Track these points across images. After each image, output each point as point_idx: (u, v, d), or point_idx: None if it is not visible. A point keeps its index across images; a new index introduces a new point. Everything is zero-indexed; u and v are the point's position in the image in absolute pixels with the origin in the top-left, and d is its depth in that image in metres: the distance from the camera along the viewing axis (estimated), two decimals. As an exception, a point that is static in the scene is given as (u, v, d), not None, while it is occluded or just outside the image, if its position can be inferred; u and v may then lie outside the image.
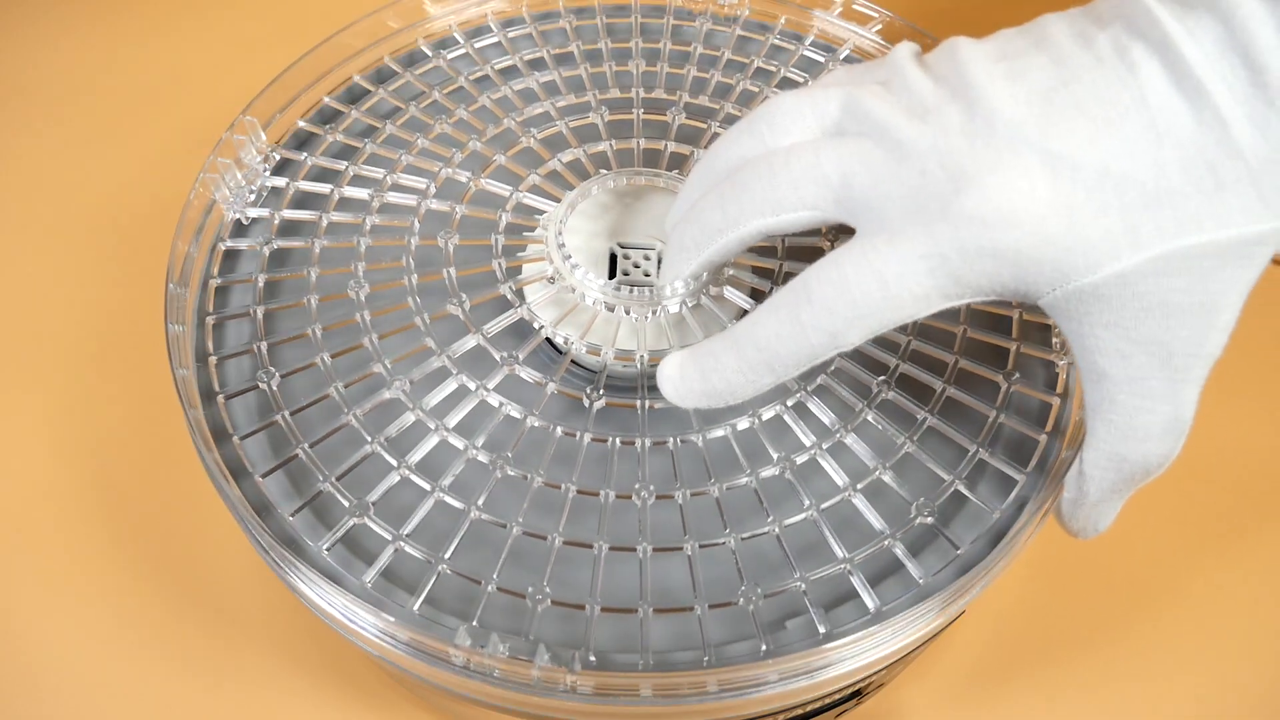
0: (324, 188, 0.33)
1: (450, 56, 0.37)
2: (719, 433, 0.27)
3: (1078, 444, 0.26)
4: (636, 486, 0.26)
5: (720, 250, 0.26)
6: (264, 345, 0.29)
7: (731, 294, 0.29)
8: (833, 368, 0.28)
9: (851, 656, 0.24)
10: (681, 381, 0.25)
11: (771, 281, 0.30)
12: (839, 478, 0.27)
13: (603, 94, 0.35)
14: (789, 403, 0.27)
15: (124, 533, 0.35)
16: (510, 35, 0.38)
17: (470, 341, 0.28)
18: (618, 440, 0.27)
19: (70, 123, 0.48)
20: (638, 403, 0.28)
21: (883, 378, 0.28)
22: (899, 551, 0.26)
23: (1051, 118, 0.21)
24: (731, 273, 0.30)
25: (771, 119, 0.25)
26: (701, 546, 0.26)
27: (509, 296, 0.29)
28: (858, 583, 0.25)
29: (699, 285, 0.28)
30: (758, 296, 0.30)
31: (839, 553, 0.25)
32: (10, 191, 0.46)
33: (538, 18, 0.38)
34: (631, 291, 0.28)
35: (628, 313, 0.29)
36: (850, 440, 0.27)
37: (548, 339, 0.29)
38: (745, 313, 0.29)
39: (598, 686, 0.23)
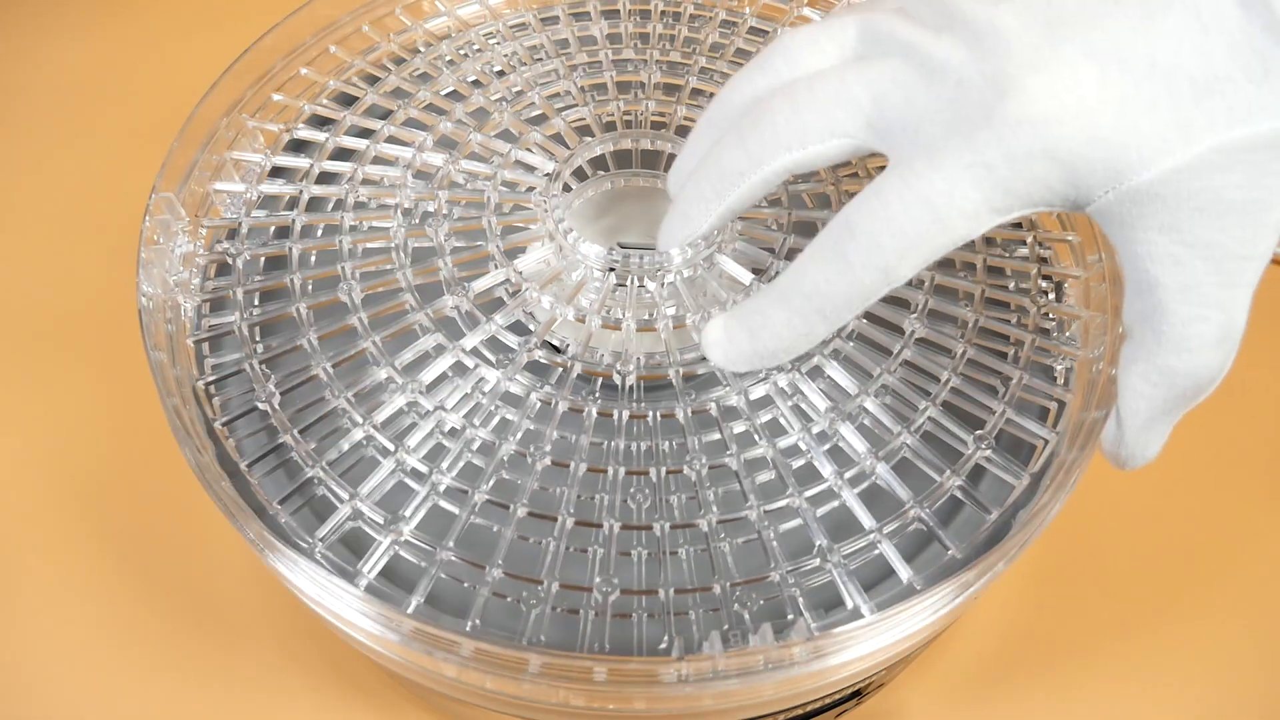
0: (308, 217, 0.32)
1: (445, 57, 0.37)
2: (714, 436, 0.27)
3: (1107, 407, 0.26)
4: (632, 490, 0.26)
5: (742, 197, 0.25)
6: (258, 347, 0.29)
7: (732, 278, 0.29)
8: (828, 372, 0.28)
9: (850, 657, 0.24)
10: (730, 345, 0.24)
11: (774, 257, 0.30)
12: (836, 480, 0.27)
13: (600, 95, 0.35)
14: (785, 405, 0.27)
15: (121, 535, 0.35)
16: (504, 36, 0.38)
17: (468, 344, 0.28)
18: (616, 444, 0.27)
19: (69, 123, 0.48)
20: (647, 410, 0.28)
21: (881, 377, 0.28)
22: (898, 552, 0.26)
23: (1091, 13, 0.20)
24: (729, 277, 0.30)
25: (787, 53, 0.24)
26: (699, 550, 0.26)
27: (506, 299, 0.29)
28: (857, 584, 0.25)
29: (699, 252, 0.28)
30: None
31: (839, 554, 0.25)
32: (7, 192, 0.46)
33: (528, 21, 0.38)
34: (631, 293, 0.28)
35: (624, 313, 0.29)
36: (845, 446, 0.27)
37: (546, 342, 0.29)
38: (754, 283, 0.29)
39: (594, 689, 0.23)
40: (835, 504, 0.26)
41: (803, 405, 0.28)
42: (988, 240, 0.31)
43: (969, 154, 0.21)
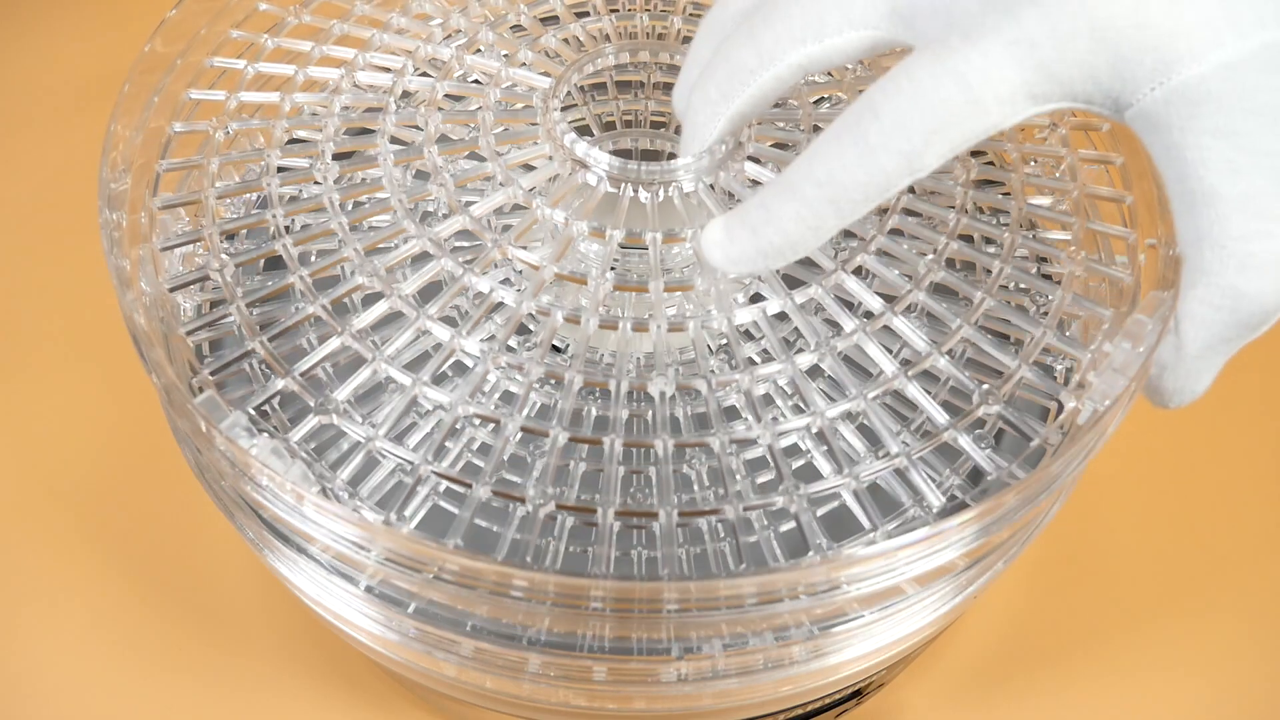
0: (307, 217, 0.32)
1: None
2: (714, 436, 0.27)
3: (1171, 296, 0.25)
4: (632, 490, 0.26)
5: (752, 99, 0.23)
6: (259, 347, 0.29)
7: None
8: (829, 371, 0.28)
9: (850, 657, 0.24)
10: (730, 244, 0.22)
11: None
12: (837, 478, 0.27)
13: (600, 95, 0.35)
14: (785, 405, 0.27)
15: (121, 535, 0.35)
16: (504, 34, 0.38)
17: (468, 343, 0.28)
18: (615, 444, 0.27)
19: (69, 123, 0.48)
20: (647, 410, 0.28)
21: (879, 374, 0.28)
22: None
23: None
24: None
25: None
26: (698, 551, 0.26)
27: (506, 299, 0.29)
28: (856, 584, 0.25)
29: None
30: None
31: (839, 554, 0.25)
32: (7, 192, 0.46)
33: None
34: (631, 294, 0.28)
35: (624, 313, 0.29)
36: (845, 446, 0.27)
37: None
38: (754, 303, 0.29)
39: (594, 689, 0.23)
40: (835, 504, 0.26)
41: (803, 405, 0.28)
42: (988, 240, 0.31)
43: (1010, 29, 0.20)
